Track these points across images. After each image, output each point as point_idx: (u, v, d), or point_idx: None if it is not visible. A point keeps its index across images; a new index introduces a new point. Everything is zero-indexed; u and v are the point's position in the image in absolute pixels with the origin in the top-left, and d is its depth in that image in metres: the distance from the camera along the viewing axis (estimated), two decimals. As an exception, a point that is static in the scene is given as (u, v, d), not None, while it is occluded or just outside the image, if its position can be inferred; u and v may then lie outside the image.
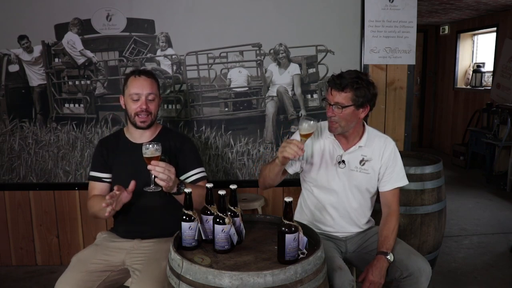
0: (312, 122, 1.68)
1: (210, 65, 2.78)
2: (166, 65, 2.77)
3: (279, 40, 2.76)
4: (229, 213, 1.43)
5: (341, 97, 1.75)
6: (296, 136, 1.78)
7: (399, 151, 1.94)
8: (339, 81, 1.74)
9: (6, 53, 2.74)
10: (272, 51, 2.77)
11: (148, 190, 1.67)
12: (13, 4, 2.68)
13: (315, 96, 2.84)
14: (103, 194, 1.89)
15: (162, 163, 1.61)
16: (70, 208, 2.90)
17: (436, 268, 2.76)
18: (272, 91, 2.82)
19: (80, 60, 2.77)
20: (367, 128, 1.92)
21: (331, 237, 1.94)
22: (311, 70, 2.82)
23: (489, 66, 6.16)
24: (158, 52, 2.76)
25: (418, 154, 2.80)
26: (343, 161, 1.87)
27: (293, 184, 2.38)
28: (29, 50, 2.74)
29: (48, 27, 2.71)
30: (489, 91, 5.76)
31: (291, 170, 1.92)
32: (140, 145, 1.65)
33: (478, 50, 6.60)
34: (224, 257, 1.39)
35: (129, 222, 1.90)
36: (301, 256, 1.36)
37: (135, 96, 1.85)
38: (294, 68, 2.80)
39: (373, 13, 2.78)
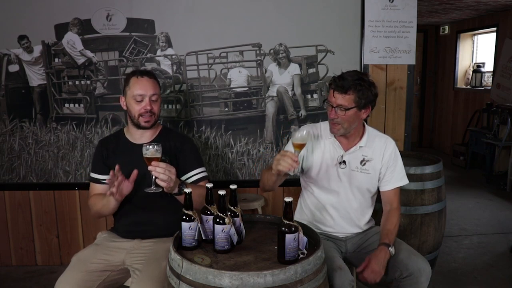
0: (305, 132, 1.66)
1: (210, 65, 2.78)
2: (166, 65, 2.77)
3: (279, 40, 2.76)
4: (229, 213, 1.43)
5: (344, 99, 1.74)
6: (289, 147, 1.76)
7: (399, 151, 1.95)
8: (341, 83, 1.74)
9: (6, 53, 2.74)
10: (272, 51, 2.77)
11: (149, 191, 1.67)
12: (13, 4, 2.68)
13: (315, 96, 2.84)
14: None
15: (162, 164, 1.62)
16: (70, 208, 2.91)
17: (436, 268, 2.76)
18: (272, 91, 2.82)
19: (80, 60, 2.77)
20: (367, 128, 1.92)
21: (331, 237, 1.94)
22: (311, 70, 2.82)
23: (489, 66, 6.16)
24: (158, 52, 2.76)
25: (418, 154, 2.80)
26: (344, 162, 1.87)
27: (293, 184, 2.38)
28: (29, 50, 2.74)
29: (48, 27, 2.71)
30: (489, 91, 5.76)
31: (291, 172, 1.91)
32: (140, 145, 1.65)
33: (478, 50, 6.60)
34: (224, 257, 1.39)
35: (129, 222, 1.90)
36: (301, 256, 1.36)
37: (139, 97, 1.85)
38: (294, 68, 2.80)
39: (373, 13, 2.78)
